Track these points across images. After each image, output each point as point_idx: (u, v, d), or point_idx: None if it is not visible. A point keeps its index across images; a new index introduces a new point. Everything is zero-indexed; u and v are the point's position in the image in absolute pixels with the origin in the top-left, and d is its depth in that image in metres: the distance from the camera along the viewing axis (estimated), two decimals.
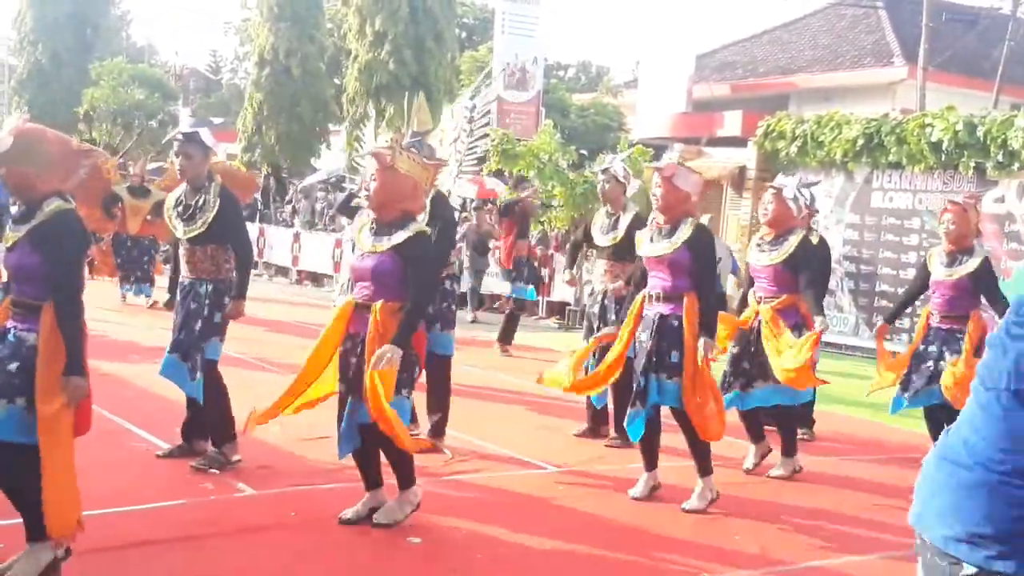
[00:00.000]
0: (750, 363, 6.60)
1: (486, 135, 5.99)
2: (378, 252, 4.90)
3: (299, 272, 20.61)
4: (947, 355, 6.81)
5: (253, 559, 4.67)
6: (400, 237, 4.87)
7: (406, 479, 5.10)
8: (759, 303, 6.60)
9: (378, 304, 4.83)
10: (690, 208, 5.79)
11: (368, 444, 5.00)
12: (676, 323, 5.65)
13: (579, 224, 15.30)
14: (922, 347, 7.01)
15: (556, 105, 27.02)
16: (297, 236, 20.67)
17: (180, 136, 5.87)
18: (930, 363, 6.91)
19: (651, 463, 5.96)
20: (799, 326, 6.47)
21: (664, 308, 5.72)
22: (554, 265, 16.27)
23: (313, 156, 28.71)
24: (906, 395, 7.05)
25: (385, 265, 4.87)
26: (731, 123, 23.46)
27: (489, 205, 17.20)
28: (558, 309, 16.30)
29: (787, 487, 6.49)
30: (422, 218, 5.28)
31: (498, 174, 17.73)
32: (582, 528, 5.39)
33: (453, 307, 6.81)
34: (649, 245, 5.82)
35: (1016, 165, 11.68)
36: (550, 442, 7.31)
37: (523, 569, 4.79)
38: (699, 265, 5.69)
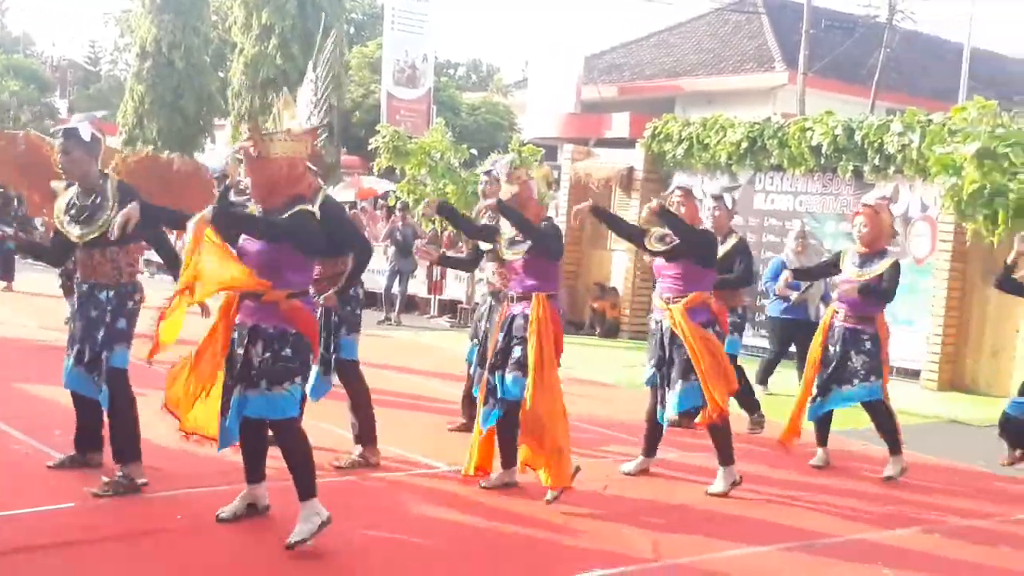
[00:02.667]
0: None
1: (332, 106, 5.86)
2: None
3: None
4: (852, 355, 6.92)
5: (137, 565, 4.54)
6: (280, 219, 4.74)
7: (305, 488, 4.85)
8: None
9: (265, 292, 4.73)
10: (535, 209, 6.00)
11: (255, 437, 4.98)
12: (523, 320, 5.88)
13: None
14: (830, 348, 7.05)
15: (447, 103, 27.01)
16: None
17: (60, 133, 5.58)
18: (834, 363, 7.00)
19: (509, 461, 6.09)
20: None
21: (516, 308, 5.97)
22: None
23: (197, 151, 28.10)
24: (818, 399, 7.11)
25: (267, 250, 4.75)
26: (619, 124, 23.79)
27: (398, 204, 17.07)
28: (450, 308, 16.30)
29: (679, 483, 6.61)
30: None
31: (388, 171, 17.63)
32: (479, 527, 5.40)
33: (358, 311, 6.65)
34: (506, 251, 6.09)
35: (892, 169, 12.13)
36: (444, 442, 7.29)
37: (420, 571, 4.77)
38: (544, 260, 5.93)
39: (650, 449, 6.77)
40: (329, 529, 4.84)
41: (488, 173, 7.29)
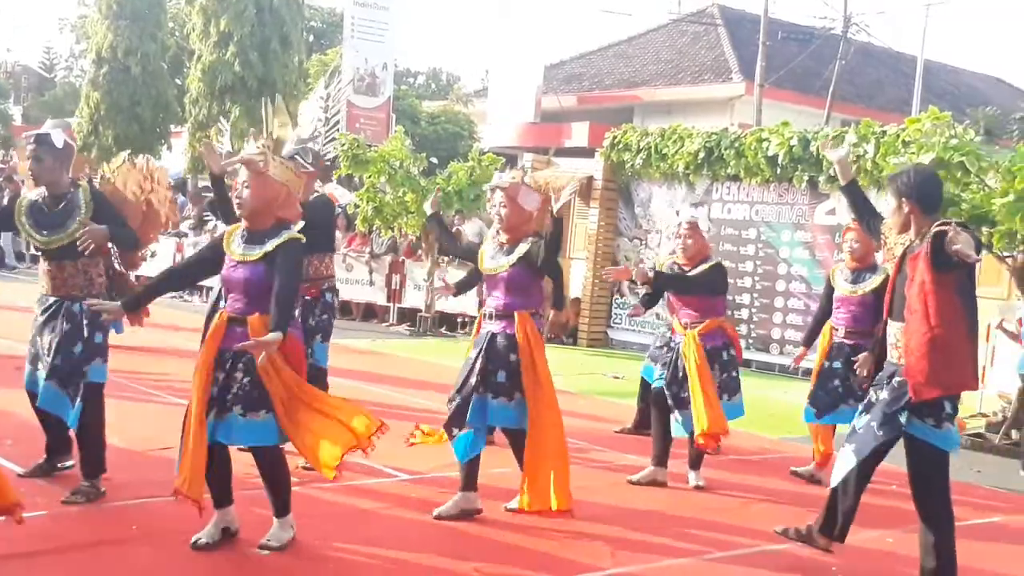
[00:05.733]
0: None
1: (336, 135, 5.86)
2: (249, 262, 4.74)
3: (137, 277, 19.88)
4: (851, 375, 6.83)
5: (98, 574, 4.48)
6: (271, 245, 4.73)
7: (282, 506, 4.90)
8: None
9: (253, 317, 4.68)
10: (531, 227, 5.77)
11: (222, 462, 4.85)
12: (505, 342, 5.62)
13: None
14: (827, 364, 7.12)
15: (406, 112, 26.95)
16: None
17: (31, 138, 5.47)
18: (836, 381, 7.05)
19: (469, 485, 5.74)
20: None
21: (495, 326, 5.69)
22: (405, 271, 16.21)
23: (154, 158, 27.85)
24: (815, 410, 7.15)
25: (258, 275, 4.71)
26: (578, 134, 23.90)
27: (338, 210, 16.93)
28: (409, 316, 16.25)
29: (639, 492, 6.64)
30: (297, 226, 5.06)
31: (347, 179, 17.56)
32: (435, 536, 5.39)
33: (332, 319, 6.59)
34: (489, 261, 5.80)
35: None
36: (403, 450, 7.26)
37: None
38: (534, 280, 5.73)
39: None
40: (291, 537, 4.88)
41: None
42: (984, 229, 8.88)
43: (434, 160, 15.97)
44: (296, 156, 6.29)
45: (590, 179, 15.19)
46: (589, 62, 30.39)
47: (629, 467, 7.13)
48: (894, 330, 4.73)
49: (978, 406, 10.65)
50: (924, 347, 4.49)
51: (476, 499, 5.71)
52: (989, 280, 11.53)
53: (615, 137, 14.89)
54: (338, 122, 6.73)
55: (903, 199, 4.73)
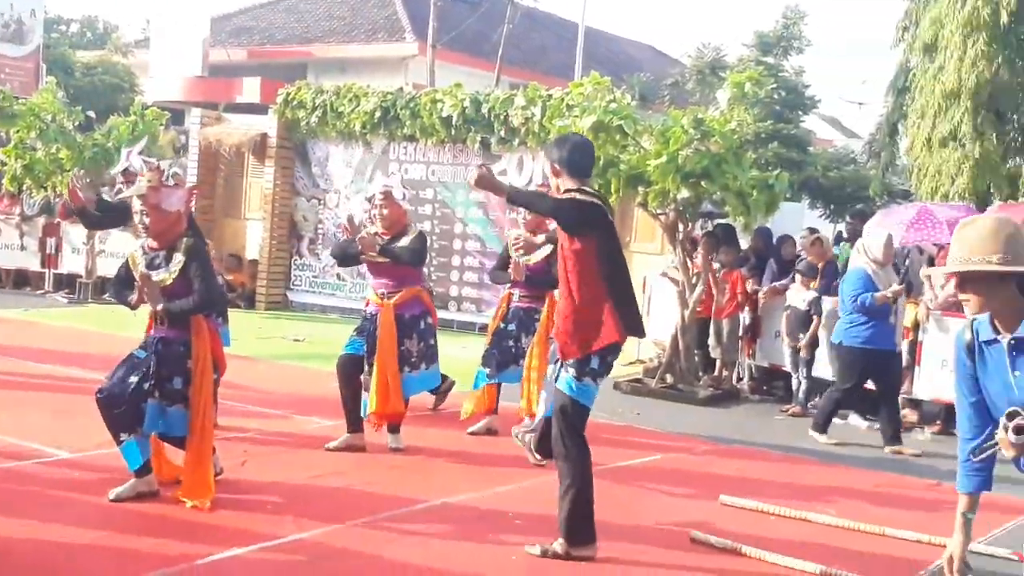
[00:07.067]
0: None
1: None
2: None
3: None
4: (523, 336, 7.18)
5: None
6: None
7: None
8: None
9: None
10: (180, 227, 5.39)
11: None
12: (182, 349, 5.29)
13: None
14: (502, 325, 7.35)
15: (59, 62, 25.02)
16: None
17: None
18: (510, 342, 7.28)
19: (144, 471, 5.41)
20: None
21: (170, 332, 5.31)
22: (61, 234, 15.07)
23: None
24: (488, 370, 7.34)
25: None
26: (250, 89, 23.21)
27: None
28: (68, 282, 15.15)
29: (326, 457, 6.59)
30: None
31: None
32: (111, 516, 5.09)
33: None
34: (145, 270, 5.31)
35: (516, 140, 12.72)
36: (66, 428, 6.77)
37: (39, 568, 4.41)
38: (200, 283, 5.28)
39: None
40: None
41: (126, 172, 6.92)
42: (640, 188, 9.51)
43: (91, 114, 14.96)
44: None
45: (264, 136, 14.77)
46: (259, 15, 29.49)
47: (316, 433, 7.04)
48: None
49: (636, 353, 11.45)
50: (567, 310, 4.84)
51: (154, 481, 5.42)
52: (645, 236, 12.42)
53: (289, 94, 14.55)
54: None
55: (555, 166, 4.93)
